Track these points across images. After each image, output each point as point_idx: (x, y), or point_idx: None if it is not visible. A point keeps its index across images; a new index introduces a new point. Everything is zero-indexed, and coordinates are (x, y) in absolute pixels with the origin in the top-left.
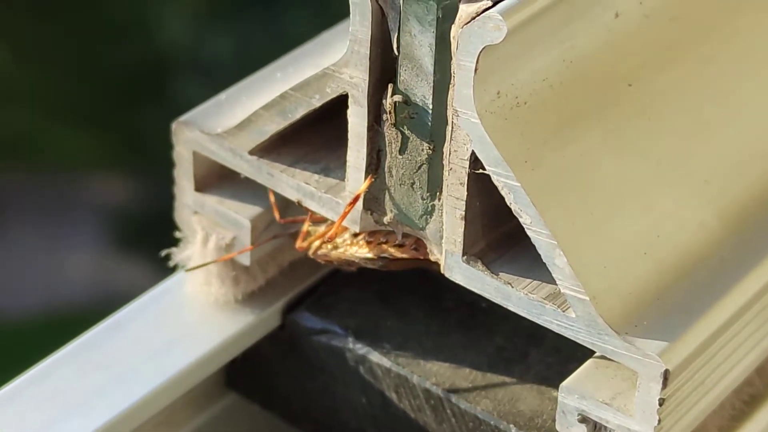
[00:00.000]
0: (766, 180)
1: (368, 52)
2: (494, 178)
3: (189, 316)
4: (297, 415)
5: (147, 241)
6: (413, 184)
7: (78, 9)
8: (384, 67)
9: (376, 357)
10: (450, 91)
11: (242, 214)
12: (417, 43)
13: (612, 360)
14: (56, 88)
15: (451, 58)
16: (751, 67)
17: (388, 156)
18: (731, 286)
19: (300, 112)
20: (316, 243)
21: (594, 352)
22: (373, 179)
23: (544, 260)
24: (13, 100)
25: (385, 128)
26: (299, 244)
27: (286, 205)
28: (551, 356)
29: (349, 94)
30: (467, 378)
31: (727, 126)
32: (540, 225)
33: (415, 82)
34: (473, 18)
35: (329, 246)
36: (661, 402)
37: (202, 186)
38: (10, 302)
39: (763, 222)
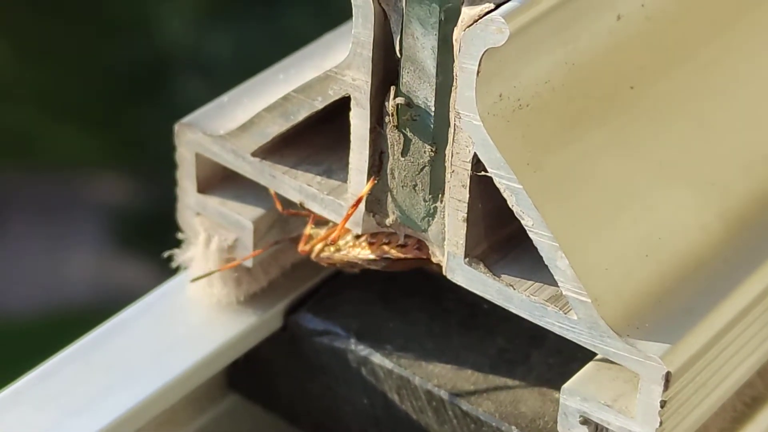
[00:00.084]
0: None
1: (371, 55)
2: (496, 181)
3: (191, 318)
4: (299, 416)
5: (147, 240)
6: (415, 186)
7: (79, 8)
8: (386, 69)
9: (378, 358)
10: (452, 94)
11: (244, 215)
12: (419, 46)
13: (614, 362)
14: (57, 86)
15: (453, 61)
16: (753, 69)
17: (391, 158)
18: (733, 289)
19: (302, 114)
20: (319, 246)
21: (596, 354)
22: (375, 181)
23: (546, 262)
24: (13, 98)
25: (387, 130)
26: (301, 247)
27: (287, 205)
28: (553, 357)
29: (351, 97)
30: (469, 379)
31: (730, 128)
32: (542, 227)
33: (418, 84)
34: (476, 21)
35: (332, 249)
36: (663, 404)
37: (204, 187)
38: (11, 301)
39: (765, 224)
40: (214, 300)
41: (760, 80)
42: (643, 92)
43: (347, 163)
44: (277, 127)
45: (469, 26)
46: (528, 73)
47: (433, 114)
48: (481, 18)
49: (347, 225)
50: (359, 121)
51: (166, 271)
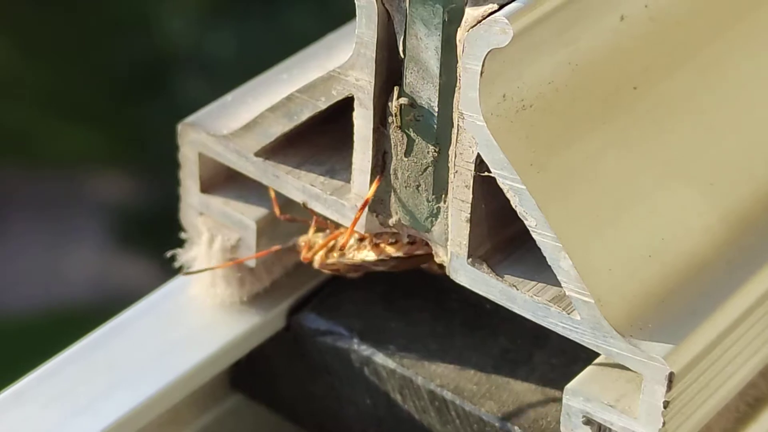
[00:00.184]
0: None
1: (374, 55)
2: (500, 181)
3: (194, 317)
4: (301, 415)
5: (149, 238)
6: (419, 186)
7: (81, 6)
8: (390, 69)
9: (380, 358)
10: (456, 94)
11: (247, 215)
12: (423, 46)
13: (617, 362)
14: (59, 84)
15: (456, 61)
16: (756, 69)
17: (394, 158)
18: (736, 289)
19: (306, 114)
20: (322, 253)
21: (599, 354)
22: (379, 182)
23: (549, 263)
24: (15, 96)
25: (390, 131)
26: (304, 254)
27: (286, 208)
28: (556, 358)
29: (354, 97)
30: (472, 379)
31: (733, 129)
32: (545, 228)
33: (421, 84)
34: (479, 21)
35: (335, 255)
36: (666, 404)
37: (207, 187)
38: (12, 300)
39: None
40: (217, 300)
41: (765, 80)
42: (647, 93)
43: (350, 164)
44: (281, 127)
45: (472, 27)
46: (531, 73)
47: (436, 114)
48: (484, 19)
49: (347, 224)
50: (362, 122)
51: (169, 270)
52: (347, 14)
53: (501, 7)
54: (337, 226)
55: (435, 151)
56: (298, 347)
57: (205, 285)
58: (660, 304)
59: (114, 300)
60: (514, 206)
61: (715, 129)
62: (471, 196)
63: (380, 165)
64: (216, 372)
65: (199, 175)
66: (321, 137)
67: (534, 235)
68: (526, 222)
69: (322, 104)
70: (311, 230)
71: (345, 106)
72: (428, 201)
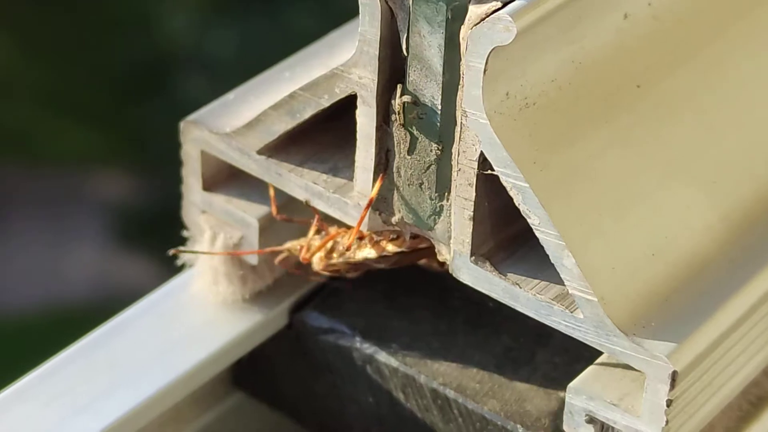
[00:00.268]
0: None
1: (377, 53)
2: (503, 179)
3: (196, 315)
4: (303, 414)
5: (149, 237)
6: (422, 184)
7: (82, 4)
8: (393, 67)
9: (383, 357)
10: (459, 92)
11: (250, 213)
12: (426, 44)
13: (620, 361)
14: (59, 83)
15: (460, 59)
16: (758, 69)
17: (397, 156)
18: (739, 288)
19: (308, 112)
20: (321, 254)
21: (601, 353)
22: (382, 180)
23: (552, 261)
24: (15, 95)
25: (393, 128)
26: (303, 255)
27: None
28: (559, 356)
29: (357, 95)
30: (474, 378)
31: (736, 127)
32: (548, 226)
33: (424, 82)
34: (483, 19)
35: (336, 255)
36: (669, 403)
37: (210, 185)
38: (12, 298)
39: None
40: (219, 298)
41: (766, 80)
42: (650, 91)
43: (353, 161)
44: (284, 125)
45: (476, 24)
46: (535, 71)
47: (439, 112)
48: (488, 16)
49: (349, 222)
50: (365, 119)
51: (171, 268)
52: (349, 12)
53: (504, 4)
54: (337, 226)
55: (438, 149)
56: (300, 345)
57: (207, 283)
58: (663, 303)
59: (114, 299)
60: (517, 204)
61: (716, 128)
62: (474, 194)
63: (383, 163)
64: (217, 370)
65: (201, 173)
66: (324, 135)
67: (537, 234)
68: (529, 220)
69: (325, 102)
70: (311, 231)
71: (348, 104)
72: (431, 199)
